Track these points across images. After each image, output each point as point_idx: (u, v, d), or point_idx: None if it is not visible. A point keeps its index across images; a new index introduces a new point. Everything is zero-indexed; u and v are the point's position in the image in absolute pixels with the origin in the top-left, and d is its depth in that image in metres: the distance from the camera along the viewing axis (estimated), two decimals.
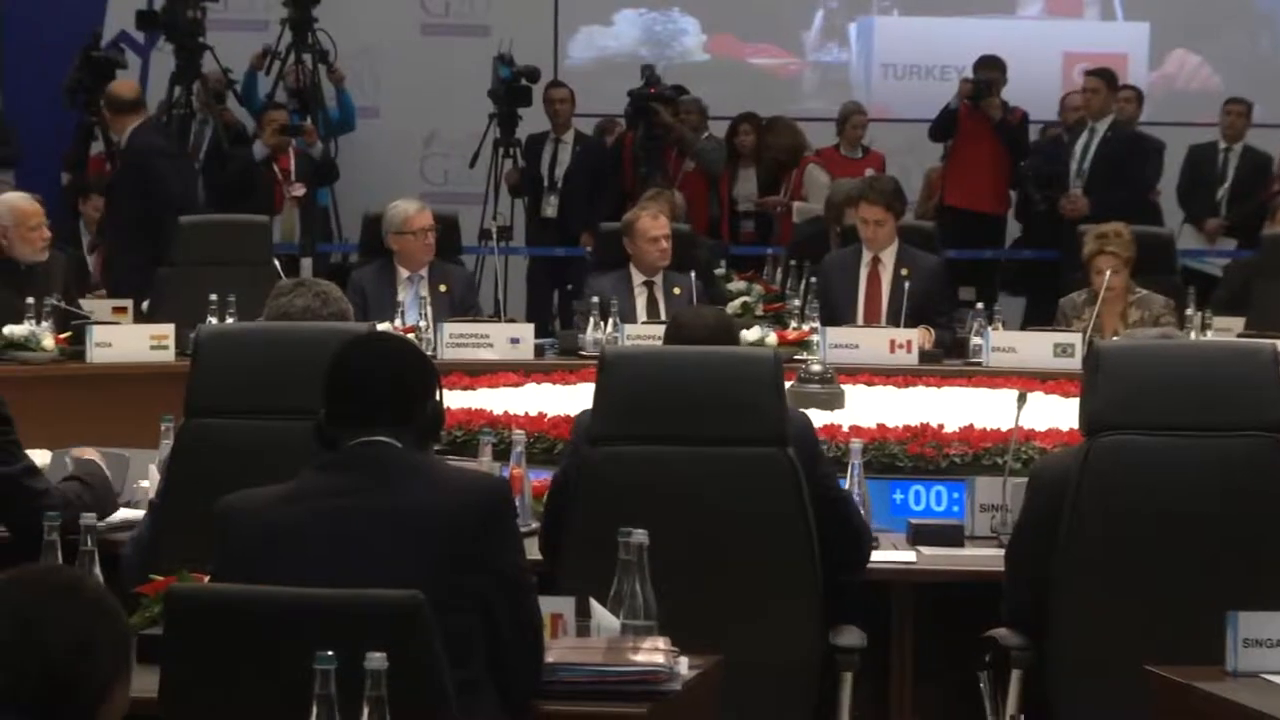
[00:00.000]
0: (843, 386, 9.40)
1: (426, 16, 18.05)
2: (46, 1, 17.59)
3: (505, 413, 8.68)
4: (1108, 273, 10.78)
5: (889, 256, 11.57)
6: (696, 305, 9.77)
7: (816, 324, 10.63)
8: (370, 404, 5.31)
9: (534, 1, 18.11)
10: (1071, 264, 12.27)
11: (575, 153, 16.57)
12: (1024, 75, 17.00)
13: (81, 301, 11.51)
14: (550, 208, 16.37)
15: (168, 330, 10.77)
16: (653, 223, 11.48)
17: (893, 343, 10.77)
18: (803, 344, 10.10)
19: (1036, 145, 16.09)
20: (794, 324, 10.60)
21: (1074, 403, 7.21)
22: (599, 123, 17.04)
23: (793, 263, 12.48)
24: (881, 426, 8.57)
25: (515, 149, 16.47)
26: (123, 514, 7.37)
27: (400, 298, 11.33)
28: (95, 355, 10.72)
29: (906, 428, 8.62)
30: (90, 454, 7.39)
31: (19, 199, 11.69)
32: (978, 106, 16.15)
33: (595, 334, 10.62)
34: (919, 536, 7.35)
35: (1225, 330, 10.86)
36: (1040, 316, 11.71)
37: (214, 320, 9.51)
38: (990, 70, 16.56)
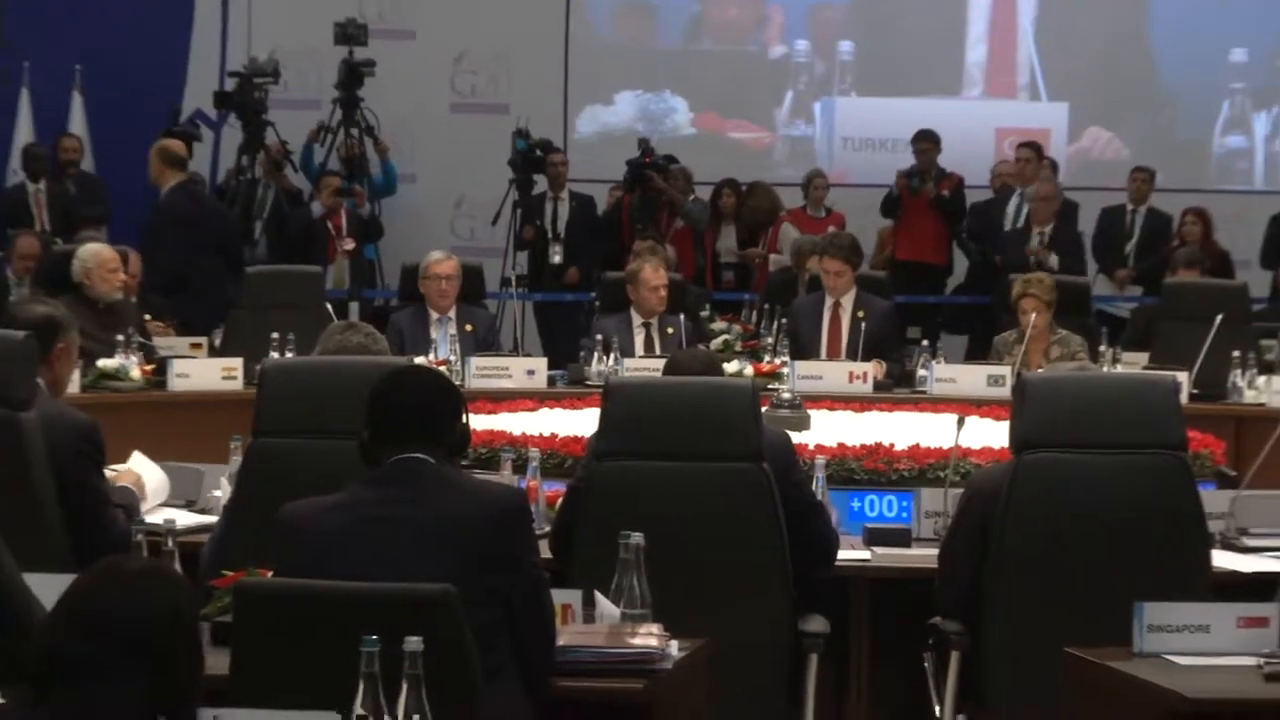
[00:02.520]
0: (809, 411, 9.39)
1: (455, 96, 18.02)
2: (135, 81, 17.51)
3: (522, 434, 8.66)
4: (1033, 314, 10.79)
5: (848, 301, 11.56)
6: (690, 348, 9.74)
7: (787, 358, 10.66)
8: (407, 426, 5.34)
9: (547, 83, 18.08)
10: (1003, 307, 12.26)
11: (572, 208, 16.54)
12: (962, 147, 16.99)
13: (162, 340, 11.48)
14: (556, 255, 16.34)
15: (236, 363, 10.79)
16: (654, 274, 11.49)
17: (851, 374, 10.75)
18: (775, 375, 10.10)
19: (974, 207, 16.05)
20: (768, 358, 10.61)
21: (1005, 425, 7.21)
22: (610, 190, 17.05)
23: (766, 306, 12.47)
24: (842, 445, 8.58)
25: (524, 209, 16.46)
26: (198, 519, 7.42)
27: (433, 336, 11.33)
28: (175, 384, 10.72)
29: (863, 446, 8.63)
30: (130, 477, 7.44)
31: (100, 247, 11.76)
32: (915, 195, 16.26)
33: (600, 366, 10.61)
34: (873, 538, 7.36)
35: (1132, 364, 10.83)
36: (977, 352, 11.68)
37: (275, 354, 9.50)
38: (925, 142, 16.59)
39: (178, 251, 14.37)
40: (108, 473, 7.33)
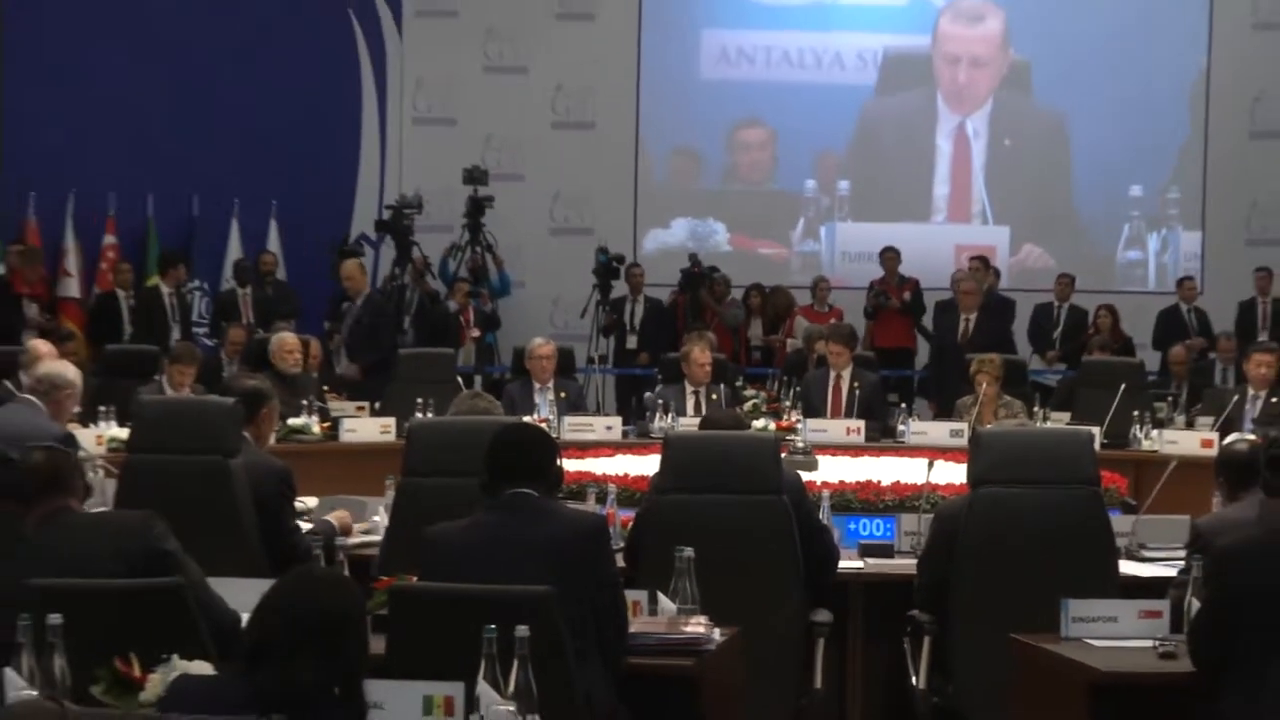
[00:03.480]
0: (817, 456, 9.36)
1: (552, 223, 18.06)
2: (315, 212, 17.61)
3: (603, 474, 8.64)
4: (984, 385, 10.76)
5: (846, 375, 11.55)
6: (724, 408, 9.72)
7: (800, 417, 10.60)
8: (517, 468, 5.35)
9: (620, 213, 18.08)
10: (963, 379, 12.23)
11: (645, 308, 16.54)
12: (929, 259, 16.97)
13: (336, 403, 11.55)
14: (631, 341, 16.34)
15: (390, 421, 10.80)
16: (701, 354, 11.47)
17: (848, 429, 10.71)
18: (791, 430, 10.05)
19: (937, 304, 15.95)
20: (786, 417, 10.56)
21: (963, 467, 7.16)
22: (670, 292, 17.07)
23: (785, 378, 12.41)
24: (841, 482, 8.57)
25: (605, 307, 16.47)
26: (363, 537, 7.44)
27: (536, 401, 11.35)
28: (345, 437, 10.75)
29: (857, 482, 8.63)
30: (340, 514, 7.53)
31: (285, 336, 11.90)
32: (881, 309, 16.31)
33: (660, 423, 10.57)
34: (865, 551, 7.31)
35: (1058, 421, 10.78)
36: (943, 413, 11.63)
37: (420, 415, 9.52)
38: (888, 253, 16.64)
39: (386, 339, 14.55)
40: (330, 516, 7.50)
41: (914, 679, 6.63)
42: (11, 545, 5.44)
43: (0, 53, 16.09)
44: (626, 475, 8.48)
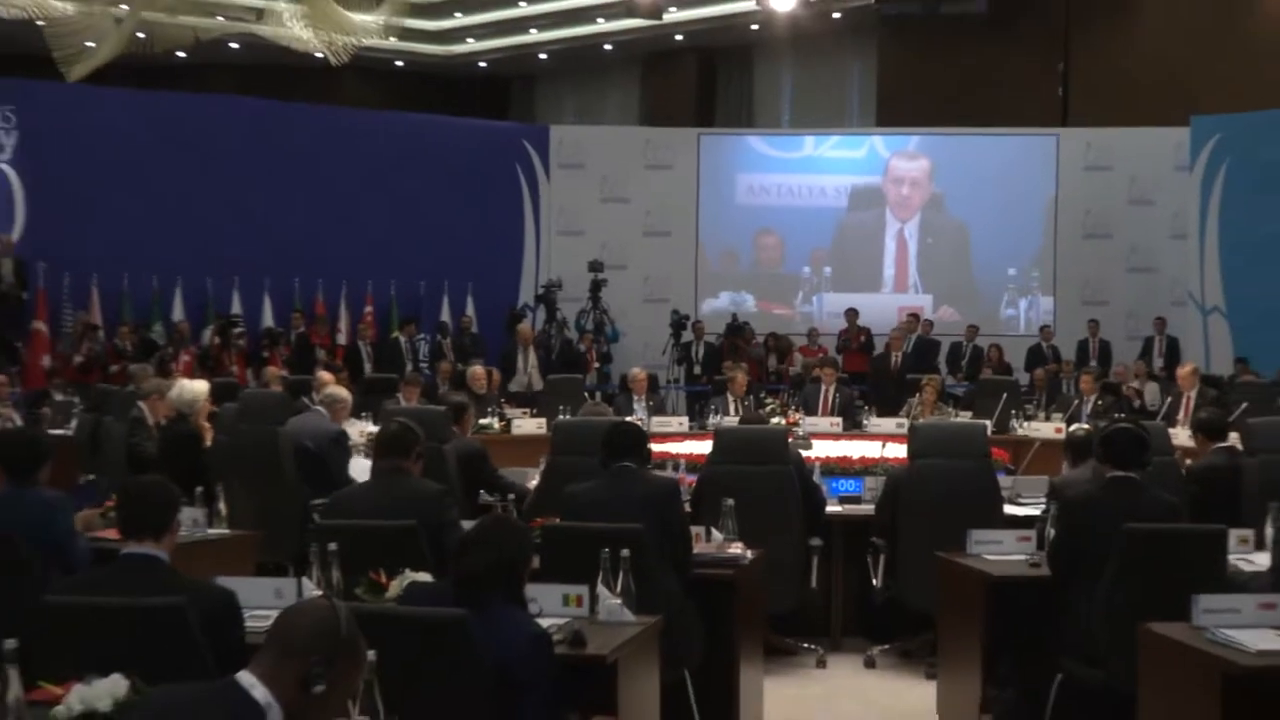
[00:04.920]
0: (812, 440, 9.30)
1: (644, 296, 18.04)
2: (494, 287, 17.80)
3: (676, 453, 8.61)
4: (929, 393, 10.70)
5: (831, 389, 11.38)
6: (753, 412, 9.70)
7: (800, 416, 10.55)
8: (621, 447, 5.35)
9: (687, 289, 18.17)
10: (899, 391, 12.18)
11: (705, 349, 16.46)
12: (880, 316, 16.85)
13: (510, 410, 11.54)
14: (696, 368, 16.28)
15: (543, 421, 10.77)
16: (739, 377, 11.42)
17: (831, 423, 10.58)
18: (795, 424, 9.99)
19: (882, 344, 15.93)
20: (792, 416, 10.47)
21: (904, 446, 7.14)
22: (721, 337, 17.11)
23: (791, 392, 12.36)
24: (827, 456, 8.50)
25: (677, 348, 16.50)
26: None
27: (634, 408, 11.29)
28: (515, 431, 10.73)
29: (837, 457, 8.58)
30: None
31: (477, 368, 11.84)
32: (844, 350, 16.21)
33: (713, 420, 10.50)
34: (842, 500, 7.27)
35: (964, 417, 10.65)
36: (883, 413, 11.51)
37: (561, 417, 9.52)
38: (850, 313, 16.61)
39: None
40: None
41: (874, 581, 6.62)
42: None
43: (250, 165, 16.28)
44: (691, 454, 8.46)
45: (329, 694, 2.48)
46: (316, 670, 2.45)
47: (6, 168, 14.61)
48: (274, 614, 2.61)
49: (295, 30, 14.85)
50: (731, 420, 10.10)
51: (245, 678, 2.45)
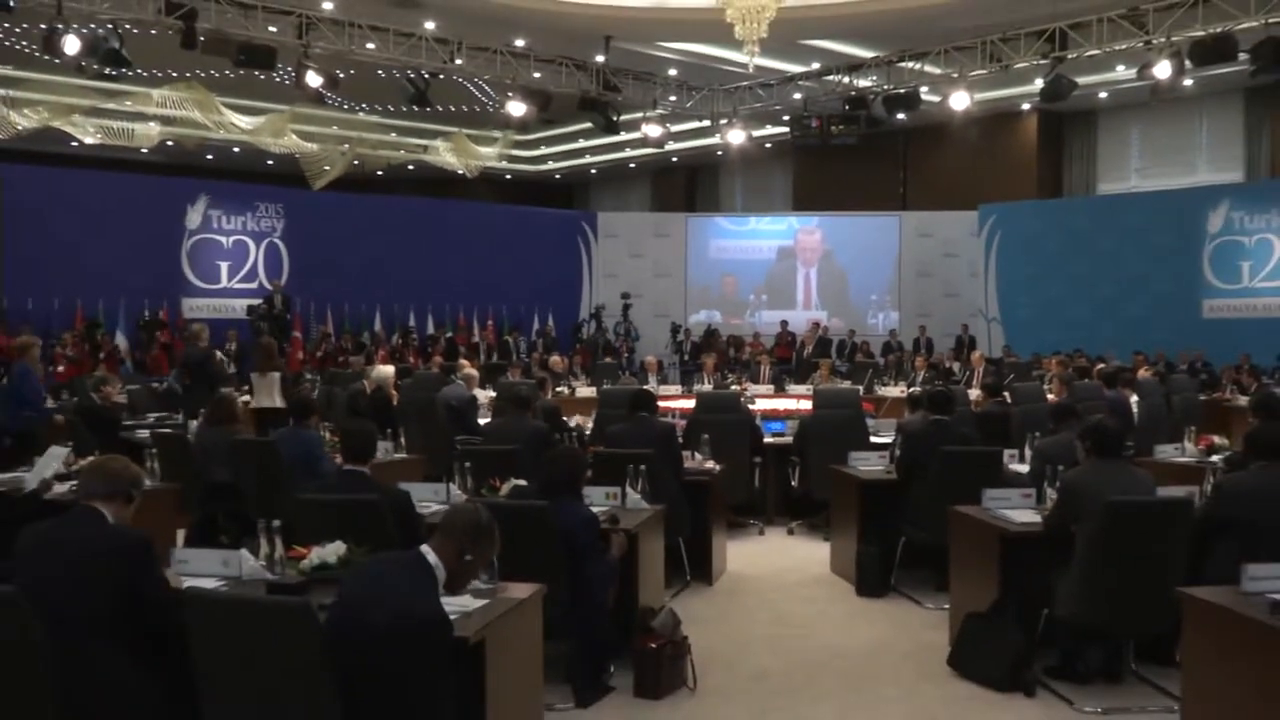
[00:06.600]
0: (756, 399, 9.01)
1: (653, 313, 17.59)
2: (558, 303, 17.47)
3: (674, 408, 8.35)
4: (825, 369, 10.42)
5: (766, 369, 11.20)
6: (722, 383, 9.48)
7: (749, 385, 10.23)
8: (640, 404, 5.27)
9: (679, 308, 17.74)
10: (807, 370, 11.87)
11: (690, 344, 16.18)
12: (797, 325, 16.50)
13: (576, 383, 11.25)
14: (685, 357, 15.80)
15: (594, 389, 10.25)
16: (710, 362, 11.11)
17: (767, 389, 10.34)
18: (745, 390, 9.59)
19: (799, 341, 15.53)
20: (744, 385, 10.20)
21: (810, 402, 6.88)
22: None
23: (742, 371, 12.11)
24: (766, 410, 8.32)
25: (674, 345, 16.28)
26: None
27: (649, 381, 11.02)
28: (577, 395, 10.35)
29: (772, 409, 8.38)
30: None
31: (556, 357, 11.42)
32: (777, 345, 15.79)
33: (696, 388, 10.14)
34: (773, 434, 7.05)
35: (846, 384, 10.20)
36: (797, 383, 11.18)
37: (606, 386, 9.28)
38: (782, 324, 16.15)
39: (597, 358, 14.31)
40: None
41: (793, 482, 6.50)
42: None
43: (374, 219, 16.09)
44: (682, 408, 8.33)
45: (474, 562, 2.48)
46: (467, 546, 2.45)
47: (278, 241, 14.96)
48: (434, 506, 2.57)
49: (446, 157, 15.46)
50: (707, 388, 10.04)
51: (425, 549, 2.44)
